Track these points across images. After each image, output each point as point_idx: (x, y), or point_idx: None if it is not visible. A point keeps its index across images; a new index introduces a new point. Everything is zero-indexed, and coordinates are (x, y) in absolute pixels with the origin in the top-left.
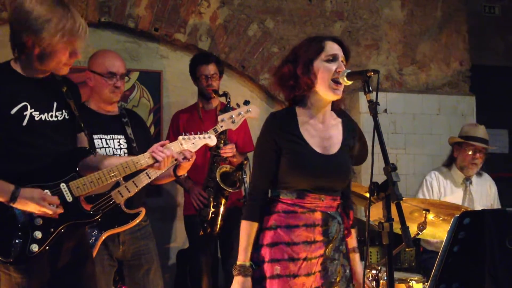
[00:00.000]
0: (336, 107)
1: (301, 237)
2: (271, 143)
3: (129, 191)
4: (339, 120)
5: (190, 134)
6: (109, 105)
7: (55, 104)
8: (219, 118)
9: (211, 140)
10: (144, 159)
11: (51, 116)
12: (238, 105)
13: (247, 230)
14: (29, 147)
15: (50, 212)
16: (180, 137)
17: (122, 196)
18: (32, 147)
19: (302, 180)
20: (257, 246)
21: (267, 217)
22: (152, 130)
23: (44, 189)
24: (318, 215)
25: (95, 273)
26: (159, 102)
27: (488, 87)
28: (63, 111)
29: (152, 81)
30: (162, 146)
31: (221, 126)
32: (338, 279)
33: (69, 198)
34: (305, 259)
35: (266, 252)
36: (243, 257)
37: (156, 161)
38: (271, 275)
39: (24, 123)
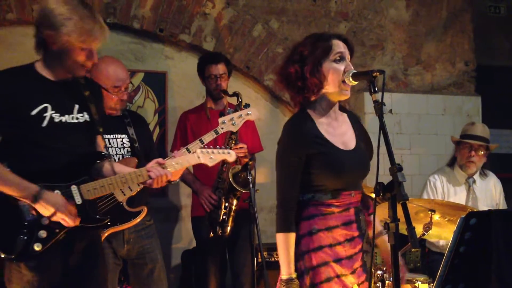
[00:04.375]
0: (340, 103)
1: (341, 237)
2: (296, 152)
3: (131, 190)
4: (345, 114)
5: (209, 147)
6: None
7: (76, 106)
8: (220, 120)
9: (230, 156)
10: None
11: (72, 118)
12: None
13: (286, 242)
14: (45, 148)
15: (68, 220)
16: (199, 150)
17: (124, 195)
18: (48, 148)
19: (335, 178)
20: (300, 254)
21: (304, 222)
22: (157, 131)
23: (55, 190)
24: (352, 212)
25: (107, 274)
26: (164, 103)
27: (494, 87)
28: (84, 113)
29: (157, 82)
30: (160, 164)
31: (222, 128)
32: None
33: (78, 201)
34: (347, 257)
35: (312, 258)
36: (287, 270)
37: (150, 177)
38: (326, 279)
39: (44, 124)
